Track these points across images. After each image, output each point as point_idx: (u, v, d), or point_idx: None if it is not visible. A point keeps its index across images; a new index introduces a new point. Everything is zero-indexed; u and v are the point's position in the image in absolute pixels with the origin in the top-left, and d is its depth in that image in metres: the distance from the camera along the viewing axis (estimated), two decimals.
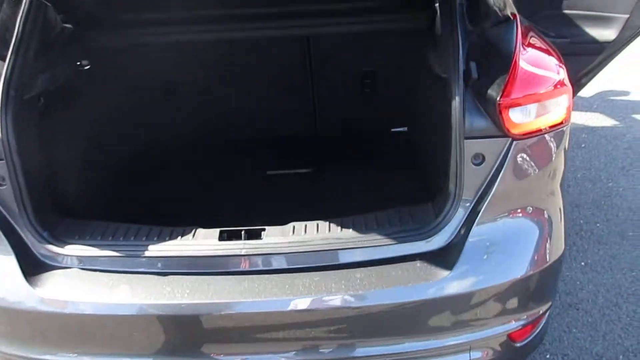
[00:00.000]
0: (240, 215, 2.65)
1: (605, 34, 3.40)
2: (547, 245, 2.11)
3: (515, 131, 1.97)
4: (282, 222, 2.27)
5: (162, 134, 3.49)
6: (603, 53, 3.41)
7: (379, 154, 3.33)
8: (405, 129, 3.60)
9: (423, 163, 2.94)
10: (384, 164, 3.19)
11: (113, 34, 2.92)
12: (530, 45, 2.09)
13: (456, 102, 2.00)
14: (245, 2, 2.76)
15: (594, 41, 3.44)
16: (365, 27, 2.90)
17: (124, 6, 2.75)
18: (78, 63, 3.02)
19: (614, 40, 3.29)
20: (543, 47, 2.19)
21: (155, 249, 2.10)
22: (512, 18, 2.13)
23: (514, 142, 2.00)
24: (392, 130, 3.62)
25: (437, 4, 2.50)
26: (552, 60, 2.11)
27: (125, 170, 3.18)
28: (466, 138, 2.01)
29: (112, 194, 2.94)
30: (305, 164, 3.26)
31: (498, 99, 1.89)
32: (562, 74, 2.06)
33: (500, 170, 2.02)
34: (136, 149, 3.44)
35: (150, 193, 2.98)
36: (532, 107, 1.95)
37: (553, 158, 2.10)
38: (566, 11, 3.59)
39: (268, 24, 2.91)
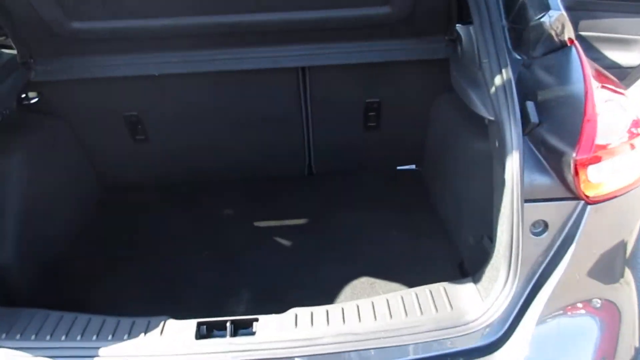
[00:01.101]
0: (223, 293, 2.15)
1: (628, 57, 2.99)
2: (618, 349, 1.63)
3: (591, 193, 1.49)
4: (279, 304, 1.77)
5: (124, 176, 2.95)
6: (626, 79, 3.01)
7: (385, 198, 2.83)
8: (414, 166, 3.12)
9: (449, 216, 2.46)
10: (393, 210, 2.69)
11: (70, 62, 2.38)
12: (599, 78, 1.62)
13: (512, 154, 1.52)
14: (231, 26, 2.24)
15: (616, 66, 3.03)
16: (371, 56, 2.41)
17: (85, 25, 2.21)
18: (23, 96, 2.48)
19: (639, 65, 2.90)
20: (610, 79, 1.73)
21: (109, 354, 1.55)
22: (568, 44, 1.67)
23: (588, 207, 1.52)
24: (399, 168, 3.13)
25: (470, 28, 2.05)
26: (625, 99, 1.65)
27: (74, 230, 2.63)
28: (526, 201, 1.52)
29: (54, 266, 2.39)
30: (300, 212, 2.74)
31: (574, 153, 1.42)
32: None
33: (568, 243, 1.55)
34: (92, 199, 2.89)
35: (103, 263, 2.42)
36: (615, 162, 1.48)
37: (630, 228, 1.63)
38: (582, 33, 3.16)
39: (258, 52, 2.40)
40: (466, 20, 2.36)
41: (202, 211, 2.77)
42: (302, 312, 1.68)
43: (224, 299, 2.17)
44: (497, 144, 1.65)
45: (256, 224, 2.68)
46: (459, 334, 1.58)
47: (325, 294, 2.18)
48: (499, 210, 1.65)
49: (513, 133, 1.52)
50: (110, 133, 2.75)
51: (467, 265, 2.27)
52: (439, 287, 1.76)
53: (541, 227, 1.56)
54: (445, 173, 2.51)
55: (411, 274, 2.25)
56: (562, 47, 1.67)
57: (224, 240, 2.55)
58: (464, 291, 1.73)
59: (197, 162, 2.95)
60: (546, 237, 1.56)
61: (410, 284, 2.19)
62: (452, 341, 1.58)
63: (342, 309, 1.68)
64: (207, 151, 2.89)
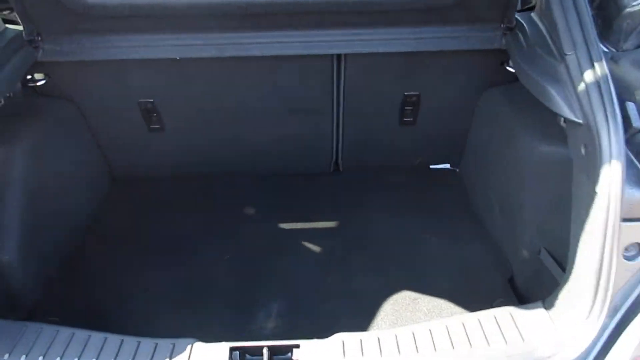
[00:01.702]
0: (249, 305, 1.93)
1: None
2: None
3: None
4: (313, 319, 1.57)
5: (137, 167, 2.71)
6: None
7: (419, 199, 2.60)
8: (448, 165, 2.89)
9: (496, 224, 2.24)
10: (429, 213, 2.48)
11: (82, 41, 2.13)
12: None
13: (610, 164, 1.29)
14: (263, 5, 1.99)
15: None
16: (417, 44, 2.16)
17: (101, 0, 1.96)
18: (28, 77, 2.24)
19: None
20: None
21: None
22: None
23: None
24: (432, 167, 2.90)
25: (532, 14, 1.81)
26: None
27: (83, 226, 2.41)
28: (624, 220, 1.30)
29: (61, 265, 2.17)
30: (326, 212, 2.52)
31: None
32: None
33: None
34: (102, 192, 2.66)
35: (115, 264, 2.20)
36: None
37: None
38: None
39: (291, 36, 2.15)
40: (526, 7, 2.12)
41: (220, 209, 2.54)
42: (350, 339, 1.46)
43: (251, 311, 1.95)
44: (583, 151, 1.42)
45: (280, 225, 2.45)
46: None
47: (362, 309, 1.97)
48: (581, 227, 1.42)
49: (613, 140, 1.29)
50: (123, 121, 2.51)
51: (519, 280, 2.06)
52: (504, 313, 1.54)
53: (636, 250, 1.34)
54: (493, 176, 2.28)
55: (456, 289, 2.04)
56: None
57: (245, 242, 2.33)
58: (534, 318, 1.51)
59: (215, 154, 2.71)
60: None
61: (457, 301, 1.99)
62: None
63: (396, 337, 1.46)
64: (227, 143, 2.65)
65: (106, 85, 2.37)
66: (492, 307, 1.94)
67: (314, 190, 2.68)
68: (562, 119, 1.59)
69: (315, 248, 2.28)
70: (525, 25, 1.96)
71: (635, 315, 1.37)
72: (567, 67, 1.48)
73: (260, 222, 2.46)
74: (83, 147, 2.48)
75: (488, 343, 1.43)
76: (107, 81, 2.35)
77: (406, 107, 2.54)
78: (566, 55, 1.48)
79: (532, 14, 2.01)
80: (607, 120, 1.31)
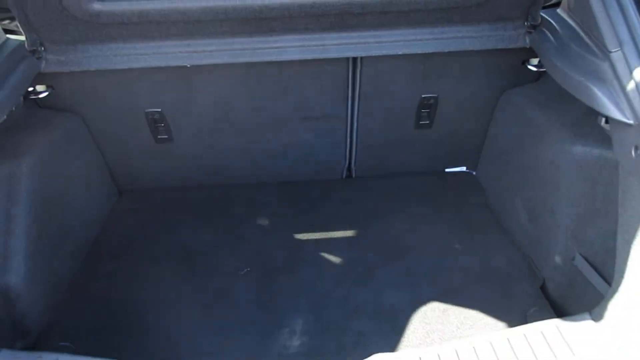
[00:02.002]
0: (272, 321, 1.84)
1: None
2: None
3: None
4: (341, 337, 1.55)
5: (145, 180, 2.62)
6: None
7: (437, 204, 2.52)
8: (464, 168, 2.81)
9: (523, 229, 2.16)
10: (449, 218, 2.40)
11: (87, 50, 2.03)
12: None
13: None
14: (280, 9, 1.91)
15: None
16: (438, 44, 2.08)
17: (108, 7, 1.86)
18: (30, 89, 2.14)
19: None
20: None
21: None
22: None
23: None
24: (447, 170, 2.82)
25: (558, 10, 1.73)
26: None
27: (89, 243, 2.31)
28: None
29: (70, 285, 2.08)
30: (343, 221, 2.43)
31: None
32: None
33: None
34: (109, 205, 2.56)
35: (125, 282, 2.11)
36: None
37: None
38: None
39: (306, 40, 2.06)
40: (549, 3, 2.05)
41: (233, 220, 2.44)
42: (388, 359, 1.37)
43: (273, 329, 1.86)
44: (633, 153, 1.34)
45: (297, 235, 2.35)
46: None
47: (391, 323, 1.88)
48: (631, 234, 1.34)
49: None
50: (130, 132, 2.41)
51: (551, 287, 1.98)
52: (550, 327, 1.45)
53: None
54: (519, 180, 2.20)
55: (487, 299, 1.96)
56: None
57: (263, 254, 2.23)
58: (583, 331, 1.43)
59: (225, 164, 2.62)
60: None
61: (488, 312, 1.91)
62: None
63: (439, 356, 1.37)
64: (237, 152, 2.56)
65: (112, 96, 2.27)
66: (526, 316, 1.88)
67: (328, 198, 2.59)
68: (603, 119, 1.51)
69: (337, 260, 2.19)
70: (552, 22, 1.88)
71: None
72: (612, 65, 1.40)
73: (276, 233, 2.36)
74: (89, 160, 2.38)
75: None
76: (113, 91, 2.25)
77: (423, 110, 2.46)
78: (611, 52, 1.41)
79: (559, 10, 1.94)
80: None
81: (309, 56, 2.09)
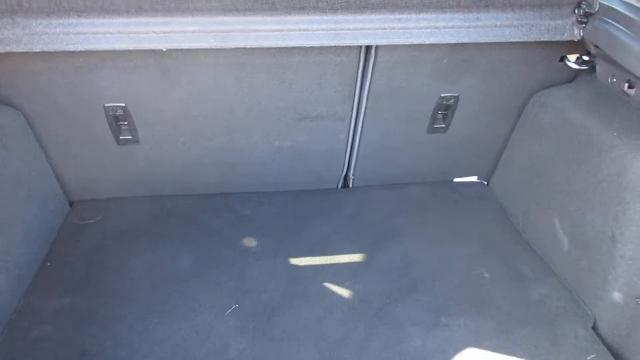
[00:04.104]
0: None
1: None
2: None
3: None
4: None
5: (102, 189, 2.15)
6: None
7: (452, 221, 2.18)
8: (476, 178, 2.47)
9: (568, 257, 1.83)
10: (469, 238, 2.07)
11: (31, 25, 1.55)
12: None
13: None
14: None
15: None
16: (471, 34, 1.71)
17: None
18: None
19: None
20: None
21: None
22: None
23: None
24: (456, 180, 2.48)
25: None
26: None
27: (38, 280, 1.82)
28: None
29: (13, 334, 1.59)
30: (346, 242, 2.04)
31: None
32: None
33: None
34: (57, 221, 2.08)
35: (84, 335, 1.65)
36: None
37: None
38: None
39: (313, 22, 1.64)
40: None
41: (212, 239, 2.01)
42: None
43: None
44: None
45: (292, 260, 1.95)
46: None
47: None
48: None
49: None
50: (84, 131, 1.94)
51: (605, 328, 1.66)
52: None
53: None
54: (559, 195, 1.87)
55: (532, 341, 1.63)
56: None
57: (253, 284, 1.82)
58: None
59: (202, 171, 2.18)
60: None
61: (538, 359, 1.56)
62: None
63: None
64: (218, 156, 2.13)
65: (62, 86, 1.79)
66: None
67: (326, 213, 2.20)
68: None
69: (345, 292, 1.80)
70: (616, 8, 1.55)
71: None
72: None
73: (267, 257, 1.95)
74: (30, 164, 1.89)
75: None
76: (64, 80, 1.77)
77: (439, 112, 2.10)
78: None
79: None
80: None
81: (317, 42, 1.68)
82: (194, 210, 2.15)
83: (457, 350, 1.59)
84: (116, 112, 1.89)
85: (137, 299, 1.73)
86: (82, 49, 1.60)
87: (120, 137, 1.99)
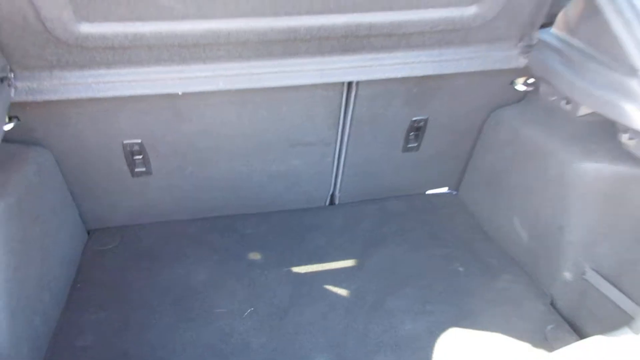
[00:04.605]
0: None
1: None
2: None
3: None
4: None
5: (118, 217, 2.39)
6: None
7: (427, 227, 2.50)
8: (447, 189, 2.82)
9: (525, 247, 2.17)
10: (444, 240, 2.38)
11: (64, 77, 1.82)
12: None
13: None
14: (280, 32, 1.80)
15: None
16: (436, 67, 2.07)
17: (96, 29, 1.66)
18: None
19: None
20: None
21: None
22: None
23: None
24: (428, 192, 2.82)
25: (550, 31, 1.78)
26: None
27: (70, 302, 2.06)
28: None
29: (57, 351, 1.82)
30: (340, 250, 2.34)
31: None
32: None
33: None
34: (79, 248, 2.31)
35: (117, 343, 1.89)
36: None
37: None
38: None
39: (304, 64, 1.97)
40: (548, 24, 2.10)
41: (222, 256, 2.28)
42: None
43: None
44: None
45: (294, 269, 2.23)
46: None
47: (415, 355, 1.80)
48: None
49: None
50: (103, 165, 2.19)
51: (562, 303, 1.99)
52: (595, 344, 1.44)
53: None
54: (515, 198, 2.22)
55: (503, 319, 1.95)
56: None
57: (264, 291, 2.09)
58: (631, 346, 1.42)
59: (208, 196, 2.45)
60: None
61: (510, 332, 1.89)
62: None
63: None
64: (221, 183, 2.41)
65: (86, 127, 2.05)
66: (545, 335, 1.87)
67: (318, 227, 2.49)
68: (625, 136, 1.55)
69: (344, 292, 2.09)
70: (552, 41, 1.93)
71: None
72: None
73: (272, 267, 2.22)
74: (59, 198, 2.13)
75: None
76: (88, 121, 2.03)
77: (412, 133, 2.45)
78: (638, 70, 1.44)
79: (553, 30, 2.00)
80: None
81: (307, 81, 2.00)
82: (202, 231, 2.41)
83: (442, 330, 1.89)
84: (133, 147, 2.15)
85: (163, 310, 1.98)
86: (110, 96, 1.88)
87: (135, 170, 2.25)
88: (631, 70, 1.49)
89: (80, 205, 2.31)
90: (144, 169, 2.25)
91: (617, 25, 1.50)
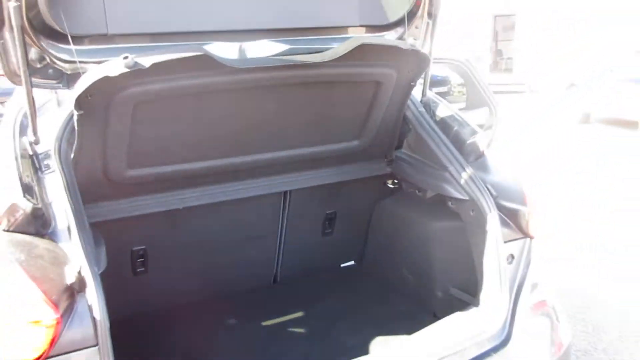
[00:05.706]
0: None
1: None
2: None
3: (533, 233, 2.61)
4: None
5: (115, 312, 3.12)
6: None
7: (345, 291, 3.52)
8: (353, 262, 3.96)
9: (410, 286, 3.31)
10: (360, 298, 3.41)
11: (106, 206, 2.67)
12: None
13: (490, 216, 2.54)
14: (248, 164, 2.86)
15: None
16: (337, 177, 3.26)
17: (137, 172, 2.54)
18: None
19: None
20: None
21: None
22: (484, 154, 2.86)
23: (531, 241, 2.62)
24: (342, 265, 3.94)
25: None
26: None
27: None
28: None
29: None
30: (295, 317, 3.27)
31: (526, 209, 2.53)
32: None
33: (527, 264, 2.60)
34: None
35: None
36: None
37: None
38: None
39: (258, 182, 3.03)
40: (399, 146, 3.45)
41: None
42: None
43: None
44: (472, 213, 2.66)
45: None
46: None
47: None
48: (482, 253, 2.60)
49: (488, 202, 2.55)
50: (113, 268, 2.98)
51: (441, 313, 3.14)
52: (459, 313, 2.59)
53: (511, 258, 2.57)
54: (402, 255, 3.40)
55: (405, 329, 3.01)
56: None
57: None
58: (478, 309, 2.59)
59: (186, 286, 3.30)
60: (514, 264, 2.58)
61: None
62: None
63: None
64: (197, 275, 3.30)
65: (106, 238, 2.87)
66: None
67: (271, 302, 3.41)
68: (450, 202, 2.85)
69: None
70: (403, 156, 3.28)
71: (520, 288, 2.58)
72: (450, 173, 2.78)
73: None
74: None
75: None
76: (108, 234, 2.81)
77: (326, 222, 3.61)
78: (447, 167, 2.79)
79: (403, 150, 3.35)
80: (482, 194, 2.58)
81: (261, 192, 3.10)
82: (179, 315, 3.16)
83: (370, 338, 2.90)
84: (139, 253, 3.02)
85: None
86: (128, 215, 2.75)
87: (137, 270, 3.08)
88: (443, 167, 2.85)
89: None
90: (142, 269, 3.08)
91: (432, 144, 2.87)
